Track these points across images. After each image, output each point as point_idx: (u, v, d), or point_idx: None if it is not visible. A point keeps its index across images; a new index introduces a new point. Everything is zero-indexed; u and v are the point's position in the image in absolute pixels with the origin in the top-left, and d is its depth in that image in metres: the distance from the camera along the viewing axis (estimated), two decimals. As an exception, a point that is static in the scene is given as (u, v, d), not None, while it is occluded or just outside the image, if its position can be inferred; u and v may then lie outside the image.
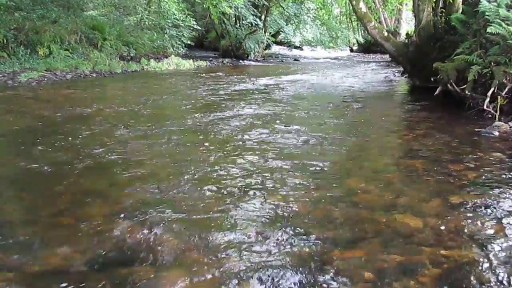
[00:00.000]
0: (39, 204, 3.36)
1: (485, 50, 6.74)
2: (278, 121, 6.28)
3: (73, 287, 2.28)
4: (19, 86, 9.46)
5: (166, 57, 15.59)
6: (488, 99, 6.30)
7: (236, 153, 4.65)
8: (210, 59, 17.98)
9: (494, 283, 2.35)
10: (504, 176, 3.99)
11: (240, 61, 18.46)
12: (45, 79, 10.36)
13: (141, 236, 2.82)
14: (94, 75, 11.66)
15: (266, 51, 22.21)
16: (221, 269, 2.45)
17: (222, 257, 2.57)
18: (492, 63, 6.45)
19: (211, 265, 2.48)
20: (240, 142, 5.08)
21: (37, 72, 10.62)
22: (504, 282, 2.36)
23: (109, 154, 4.59)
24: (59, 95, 8.60)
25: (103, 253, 2.62)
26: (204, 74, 13.02)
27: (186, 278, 2.37)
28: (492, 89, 6.27)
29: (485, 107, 6.32)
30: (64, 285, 2.29)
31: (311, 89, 10.43)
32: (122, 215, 3.12)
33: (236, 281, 2.33)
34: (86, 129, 5.68)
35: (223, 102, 8.00)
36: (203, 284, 2.32)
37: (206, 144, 4.99)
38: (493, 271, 2.46)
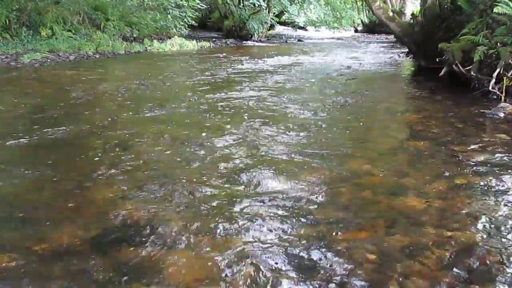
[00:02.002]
0: (43, 184, 3.38)
1: (492, 30, 6.66)
2: (280, 103, 6.27)
3: (78, 267, 2.31)
4: (22, 67, 9.45)
5: (169, 38, 15.49)
6: (493, 80, 6.24)
7: (238, 135, 4.65)
8: (214, 39, 17.86)
9: (498, 264, 2.36)
10: (509, 157, 3.98)
11: (244, 41, 18.33)
12: (48, 60, 10.33)
13: (146, 216, 2.85)
14: (97, 56, 11.63)
15: (270, 32, 22.03)
16: (226, 252, 2.47)
17: (226, 243, 2.59)
18: (498, 44, 6.37)
19: (215, 248, 2.50)
20: (242, 124, 5.07)
21: (40, 53, 10.59)
22: (508, 263, 2.37)
23: (113, 134, 4.60)
24: (63, 76, 8.59)
25: (108, 233, 2.65)
26: (207, 55, 12.96)
27: (191, 258, 2.40)
28: (498, 70, 6.21)
29: (490, 88, 6.26)
30: (68, 265, 2.33)
31: (315, 70, 10.37)
32: (126, 195, 3.15)
33: (240, 262, 2.36)
34: (89, 110, 5.69)
35: (225, 83, 7.98)
36: (207, 265, 2.34)
37: (208, 126, 4.99)
38: (498, 253, 2.47)
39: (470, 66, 6.61)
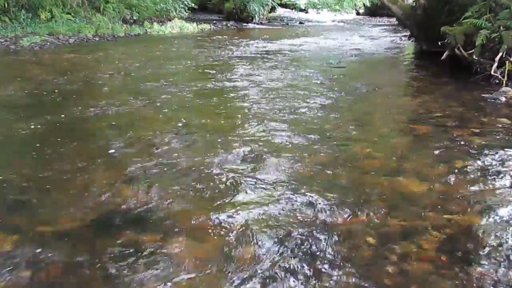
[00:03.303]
0: (44, 167, 3.40)
1: (495, 14, 6.60)
2: (281, 86, 6.24)
3: (80, 249, 2.34)
4: (21, 50, 9.41)
5: (170, 20, 15.36)
6: (496, 64, 6.20)
7: (238, 120, 4.65)
8: (214, 22, 17.71)
9: (496, 247, 2.38)
10: (509, 141, 3.98)
11: (244, 24, 18.16)
12: (48, 43, 10.28)
13: (147, 200, 2.87)
14: (97, 39, 11.56)
15: (271, 14, 21.82)
16: (226, 232, 2.50)
17: (227, 224, 2.61)
18: (501, 28, 6.33)
19: (216, 232, 2.53)
20: (243, 108, 5.07)
21: (39, 37, 10.53)
22: (507, 246, 2.39)
23: (114, 118, 4.61)
24: (63, 60, 8.55)
25: (109, 216, 2.68)
26: (208, 38, 12.87)
27: (192, 243, 2.42)
28: (500, 54, 6.17)
29: (492, 72, 6.23)
30: (70, 247, 2.36)
31: (315, 53, 10.31)
32: (128, 179, 3.17)
33: (240, 244, 2.38)
34: (89, 94, 5.68)
35: (225, 67, 7.93)
36: (207, 249, 2.36)
37: (210, 110, 4.99)
38: (496, 236, 2.49)
39: (472, 50, 6.56)
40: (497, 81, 6.20)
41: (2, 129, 4.32)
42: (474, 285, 2.09)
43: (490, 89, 5.87)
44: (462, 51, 6.75)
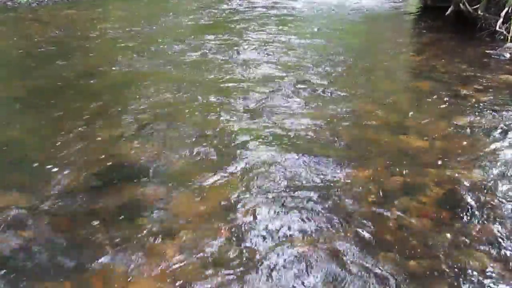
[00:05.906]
0: (46, 125, 3.43)
1: (502, -33, 6.44)
2: (282, 41, 6.16)
3: (83, 205, 2.40)
4: (19, 7, 9.23)
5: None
6: (501, 20, 6.10)
7: (243, 71, 4.63)
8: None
9: (495, 203, 2.43)
10: (512, 98, 3.99)
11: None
12: (45, -1, 10.08)
13: (150, 155, 2.91)
14: (95, -5, 11.32)
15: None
16: (228, 188, 2.56)
17: (229, 177, 2.67)
18: (508, -18, 6.19)
19: (218, 185, 2.58)
20: (246, 63, 5.03)
21: (37, -8, 10.30)
22: (505, 202, 2.44)
23: (114, 74, 4.60)
24: (61, 16, 8.41)
25: (112, 171, 2.73)
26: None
27: (194, 197, 2.48)
28: (506, 9, 6.06)
29: (497, 28, 6.14)
30: (74, 204, 2.41)
31: (316, 9, 10.11)
32: (129, 135, 3.21)
33: (243, 203, 2.44)
34: (90, 51, 5.63)
35: (226, 24, 7.81)
36: (210, 203, 2.42)
37: (209, 67, 4.96)
38: (496, 192, 2.53)
39: (478, 5, 6.44)
40: (501, 37, 6.11)
41: (2, 87, 4.33)
42: (474, 240, 2.14)
43: (494, 45, 5.80)
44: (467, 6, 6.62)
